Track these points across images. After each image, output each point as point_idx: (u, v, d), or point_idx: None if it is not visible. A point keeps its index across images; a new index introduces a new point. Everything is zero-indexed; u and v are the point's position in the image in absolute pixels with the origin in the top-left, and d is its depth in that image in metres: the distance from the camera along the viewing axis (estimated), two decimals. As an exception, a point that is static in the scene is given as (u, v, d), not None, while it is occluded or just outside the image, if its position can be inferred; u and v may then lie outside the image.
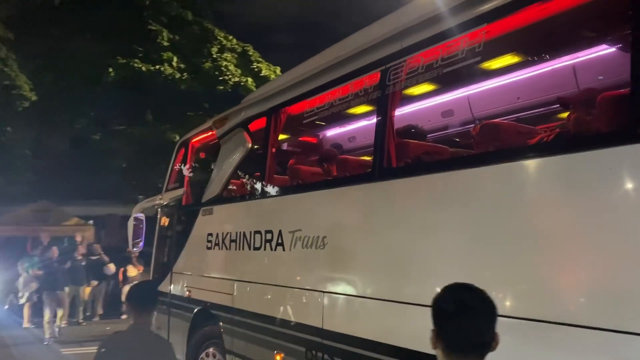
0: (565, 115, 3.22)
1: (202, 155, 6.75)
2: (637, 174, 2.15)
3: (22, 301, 11.59)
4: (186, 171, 6.73)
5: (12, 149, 16.36)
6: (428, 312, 2.93)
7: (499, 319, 1.69)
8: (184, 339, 5.91)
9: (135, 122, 17.10)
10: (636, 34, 2.18)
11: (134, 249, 7.69)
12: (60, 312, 10.80)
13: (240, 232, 5.14)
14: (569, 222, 2.38)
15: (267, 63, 17.46)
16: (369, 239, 3.58)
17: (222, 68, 16.32)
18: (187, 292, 6.07)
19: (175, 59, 15.95)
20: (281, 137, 5.37)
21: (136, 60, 15.57)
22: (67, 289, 11.17)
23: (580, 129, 2.63)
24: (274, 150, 5.01)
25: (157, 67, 15.69)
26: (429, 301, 2.96)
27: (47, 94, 15.98)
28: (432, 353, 2.88)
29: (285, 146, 6.09)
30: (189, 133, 7.05)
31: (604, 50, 2.99)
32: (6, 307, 12.60)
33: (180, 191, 6.73)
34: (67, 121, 17.20)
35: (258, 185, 5.12)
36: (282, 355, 4.30)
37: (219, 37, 16.70)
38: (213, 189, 5.82)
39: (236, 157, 5.50)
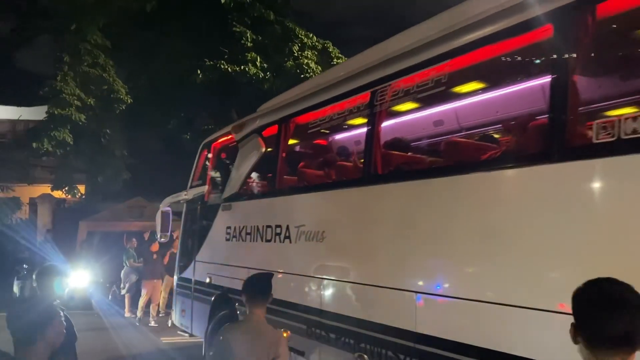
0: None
1: (222, 156, 7.47)
2: (550, 188, 2.78)
3: (123, 292, 12.49)
4: (208, 170, 7.48)
5: (110, 149, 17.39)
6: (402, 294, 3.63)
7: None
8: (205, 320, 6.68)
9: (221, 122, 17.79)
10: (552, 80, 2.81)
11: (162, 240, 8.52)
12: (157, 300, 11.68)
13: (254, 226, 5.86)
14: (501, 223, 3.02)
15: (346, 59, 17.70)
16: (358, 234, 4.25)
17: (304, 66, 16.61)
18: (208, 279, 6.84)
19: (258, 58, 16.29)
20: (291, 142, 6.04)
21: (222, 61, 16.04)
22: (165, 279, 11.91)
23: (515, 149, 3.26)
24: (284, 154, 5.71)
25: (242, 67, 16.11)
26: (405, 286, 3.66)
27: (141, 97, 16.77)
28: (403, 328, 3.58)
29: (297, 149, 6.75)
30: (211, 136, 7.80)
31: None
32: (109, 297, 13.51)
33: (203, 188, 7.49)
34: (159, 122, 18.05)
35: (270, 185, 5.85)
36: (289, 332, 5.02)
37: (299, 35, 16.95)
38: (232, 187, 6.55)
39: (252, 159, 6.21)
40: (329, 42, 17.52)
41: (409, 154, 4.44)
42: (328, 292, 4.54)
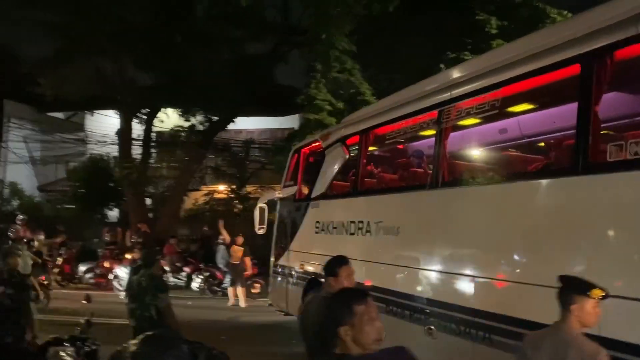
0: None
1: (310, 160, 8.61)
2: (573, 196, 3.56)
3: None
4: (299, 172, 8.66)
5: None
6: (460, 277, 4.52)
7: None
8: (299, 300, 7.85)
9: None
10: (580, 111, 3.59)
11: (260, 232, 9.85)
12: None
13: (340, 221, 6.92)
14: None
15: None
16: (426, 229, 5.18)
17: None
18: (301, 266, 8.02)
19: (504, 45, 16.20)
20: (370, 149, 7.01)
21: (465, 52, 15.47)
22: None
23: (554, 163, 4.02)
24: (364, 160, 6.71)
25: None
26: (460, 271, 4.55)
27: (383, 96, 18.27)
28: (462, 305, 4.47)
29: (375, 156, 7.70)
30: (300, 142, 8.98)
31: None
32: None
33: (294, 188, 8.68)
34: None
35: (353, 187, 6.88)
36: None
37: (551, 15, 15.82)
38: (320, 188, 7.65)
39: (337, 164, 7.28)
40: None
41: (471, 164, 5.28)
42: (400, 276, 5.51)
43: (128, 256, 13.72)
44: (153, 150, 20.61)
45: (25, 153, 23.43)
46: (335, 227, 7.05)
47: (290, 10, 17.78)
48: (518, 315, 3.80)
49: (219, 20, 16.37)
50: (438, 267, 4.98)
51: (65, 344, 4.42)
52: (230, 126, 18.97)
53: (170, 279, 14.09)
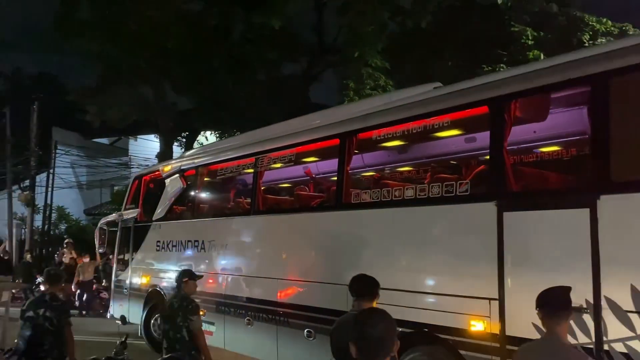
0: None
1: (151, 186, 9.78)
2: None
3: None
4: (140, 197, 9.76)
5: None
6: (267, 280, 6.37)
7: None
8: (141, 311, 8.98)
9: None
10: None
11: (100, 251, 10.61)
12: None
13: (178, 240, 8.31)
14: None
15: None
16: (248, 246, 6.94)
17: None
18: (142, 279, 9.15)
19: (541, 55, 14.68)
20: (204, 180, 8.55)
21: (502, 65, 14.81)
22: None
23: (327, 201, 6.14)
24: (198, 190, 8.25)
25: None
26: (267, 274, 6.40)
27: None
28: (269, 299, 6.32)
29: (208, 187, 9.21)
30: (141, 170, 10.10)
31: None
32: None
33: (135, 211, 9.75)
34: None
35: (190, 212, 8.34)
36: (205, 311, 7.53)
37: (590, 23, 15.24)
38: (160, 212, 8.93)
39: (175, 192, 8.66)
40: (628, 24, 15.01)
41: (276, 197, 7.24)
42: (228, 282, 7.18)
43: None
44: None
45: (72, 178, 24.66)
46: (174, 246, 8.42)
47: (324, 30, 18.35)
48: (319, 305, 5.68)
49: (255, 43, 16.88)
50: (256, 273, 6.77)
51: None
52: None
53: None
